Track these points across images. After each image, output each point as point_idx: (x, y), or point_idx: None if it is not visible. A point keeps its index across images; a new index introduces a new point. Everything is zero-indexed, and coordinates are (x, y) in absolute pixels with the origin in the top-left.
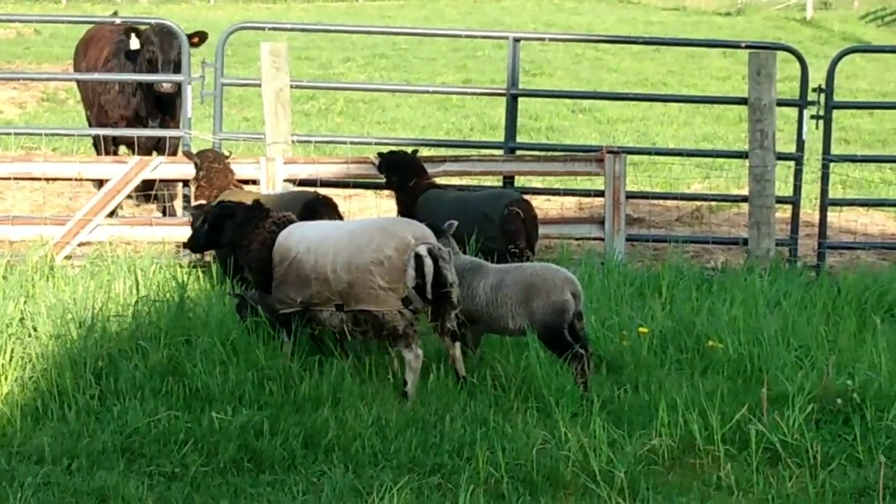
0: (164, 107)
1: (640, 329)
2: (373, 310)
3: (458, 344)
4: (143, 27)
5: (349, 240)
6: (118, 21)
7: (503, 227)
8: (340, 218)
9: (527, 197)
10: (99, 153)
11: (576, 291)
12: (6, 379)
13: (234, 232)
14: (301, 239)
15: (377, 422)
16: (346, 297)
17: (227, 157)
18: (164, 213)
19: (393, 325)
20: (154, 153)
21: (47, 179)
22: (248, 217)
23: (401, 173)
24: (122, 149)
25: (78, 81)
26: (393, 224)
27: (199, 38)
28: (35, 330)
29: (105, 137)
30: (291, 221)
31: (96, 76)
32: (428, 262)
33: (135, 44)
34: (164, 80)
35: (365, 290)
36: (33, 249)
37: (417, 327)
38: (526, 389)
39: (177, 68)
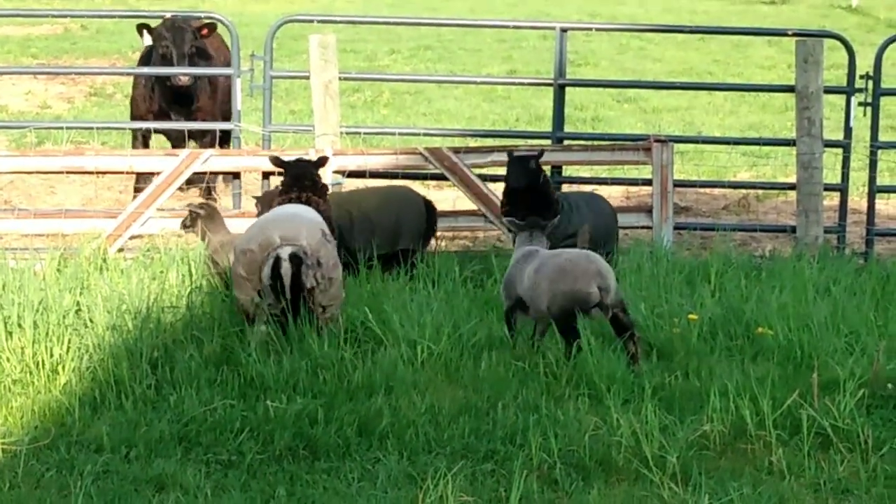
0: (182, 100)
1: (690, 316)
2: (235, 293)
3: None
4: (192, 21)
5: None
6: (167, 16)
7: None
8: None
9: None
10: (135, 146)
11: (604, 286)
12: (64, 369)
13: None
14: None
15: (430, 409)
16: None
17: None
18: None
19: (245, 308)
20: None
21: (99, 173)
22: None
23: None
24: (153, 142)
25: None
26: (270, 221)
27: (208, 30)
28: (91, 321)
29: (137, 130)
30: None
31: (145, 70)
32: (285, 265)
33: (147, 40)
34: (218, 72)
35: (234, 275)
36: (86, 242)
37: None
38: (577, 376)
39: (191, 61)
